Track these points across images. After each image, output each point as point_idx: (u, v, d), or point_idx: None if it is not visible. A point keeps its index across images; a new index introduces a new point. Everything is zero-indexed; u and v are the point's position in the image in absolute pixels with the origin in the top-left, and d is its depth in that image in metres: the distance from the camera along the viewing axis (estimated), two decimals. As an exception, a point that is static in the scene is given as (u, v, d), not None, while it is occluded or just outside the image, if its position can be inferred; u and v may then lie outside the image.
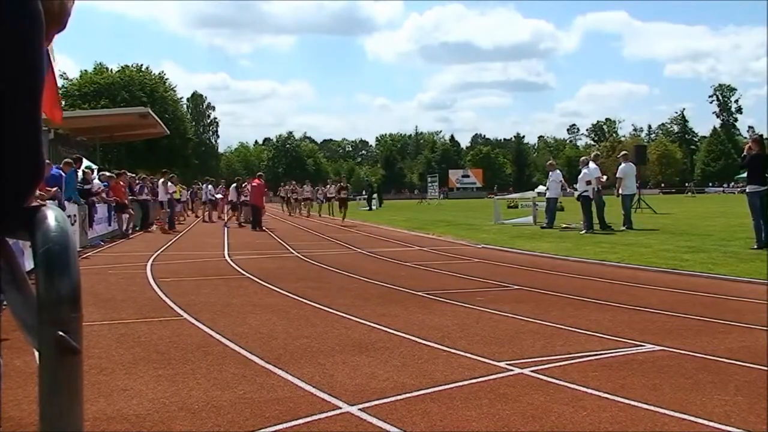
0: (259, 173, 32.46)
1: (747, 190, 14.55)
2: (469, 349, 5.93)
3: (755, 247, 13.77)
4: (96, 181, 20.81)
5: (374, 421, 4.14)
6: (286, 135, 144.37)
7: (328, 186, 41.23)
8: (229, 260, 14.44)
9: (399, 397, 4.59)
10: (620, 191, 21.31)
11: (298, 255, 15.60)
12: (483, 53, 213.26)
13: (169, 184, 27.39)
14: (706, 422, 4.07)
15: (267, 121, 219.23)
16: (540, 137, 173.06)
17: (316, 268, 12.97)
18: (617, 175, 21.61)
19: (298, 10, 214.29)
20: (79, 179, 19.36)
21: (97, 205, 19.75)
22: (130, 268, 13.05)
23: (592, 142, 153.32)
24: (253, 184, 28.55)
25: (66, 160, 17.24)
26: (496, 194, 59.40)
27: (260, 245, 18.75)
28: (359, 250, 16.64)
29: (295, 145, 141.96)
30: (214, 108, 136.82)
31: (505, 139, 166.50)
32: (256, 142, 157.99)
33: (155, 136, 47.77)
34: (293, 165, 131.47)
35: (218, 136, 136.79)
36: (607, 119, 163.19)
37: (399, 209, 50.17)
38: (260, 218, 26.92)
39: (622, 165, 21.73)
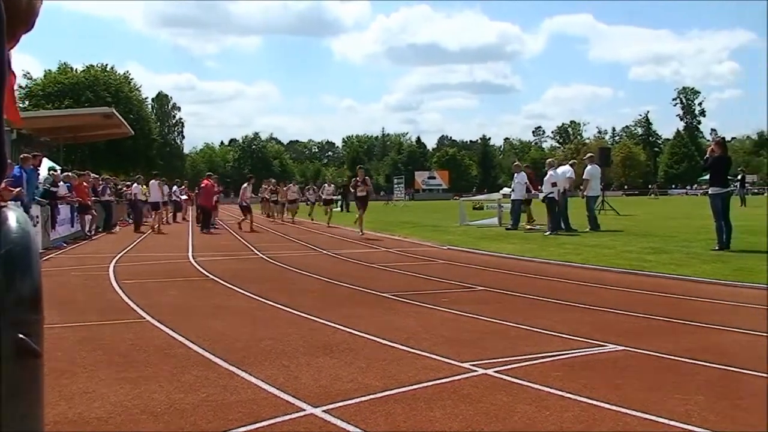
0: (209, 173, 31.44)
1: (709, 192, 14.74)
2: (433, 350, 5.95)
3: (716, 248, 13.96)
4: (62, 184, 20.58)
5: (338, 422, 4.14)
6: (252, 136, 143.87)
7: (324, 186, 34.47)
8: (193, 262, 14.35)
9: (363, 399, 4.59)
10: (585, 193, 21.53)
11: (263, 256, 15.54)
12: (449, 55, 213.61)
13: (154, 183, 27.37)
14: (667, 421, 4.12)
15: (233, 122, 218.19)
16: (506, 139, 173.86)
17: (280, 270, 12.94)
18: (584, 177, 21.78)
19: (264, 11, 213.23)
20: (43, 180, 19.15)
21: (60, 206, 19.52)
22: (92, 269, 12.92)
23: (558, 144, 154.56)
24: (202, 185, 27.89)
25: (23, 155, 17.01)
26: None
27: (224, 247, 18.66)
28: (324, 252, 16.61)
29: (261, 146, 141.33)
30: (179, 108, 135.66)
31: (471, 141, 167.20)
32: (221, 143, 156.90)
33: (119, 136, 47.41)
34: (259, 166, 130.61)
35: (183, 137, 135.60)
36: (572, 122, 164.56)
37: (368, 210, 50.15)
38: (210, 220, 26.47)
39: (589, 167, 21.91)
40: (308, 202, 36.40)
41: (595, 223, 20.92)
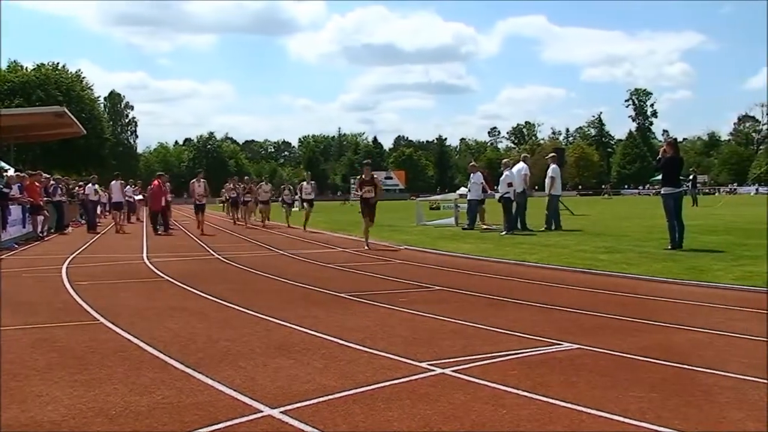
0: (159, 173, 30.47)
1: (662, 192, 14.97)
2: (390, 350, 5.95)
3: (669, 247, 14.16)
4: (14, 186, 20.24)
5: (296, 423, 4.12)
6: (207, 135, 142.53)
7: (303, 183, 28.21)
8: (147, 263, 14.19)
9: (321, 399, 4.58)
10: (551, 192, 21.64)
11: (219, 257, 15.43)
12: (405, 55, 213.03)
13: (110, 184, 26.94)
14: (621, 419, 4.17)
15: (187, 121, 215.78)
16: (462, 139, 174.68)
17: (236, 270, 12.85)
18: (551, 175, 21.76)
19: (218, 10, 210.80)
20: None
21: (10, 206, 19.19)
22: (45, 271, 12.73)
23: (513, 145, 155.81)
24: (151, 185, 26.83)
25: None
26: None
27: (180, 247, 18.48)
28: (281, 252, 16.54)
29: (216, 146, 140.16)
30: (132, 107, 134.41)
31: (427, 141, 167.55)
32: (176, 142, 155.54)
33: (71, 135, 46.62)
34: (214, 166, 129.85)
35: (137, 136, 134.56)
36: (526, 122, 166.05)
37: (322, 211, 49.95)
38: (159, 220, 25.62)
39: (553, 166, 21.98)
40: (284, 204, 31.50)
41: (558, 223, 21.14)
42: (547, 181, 21.86)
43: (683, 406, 4.41)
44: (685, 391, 4.72)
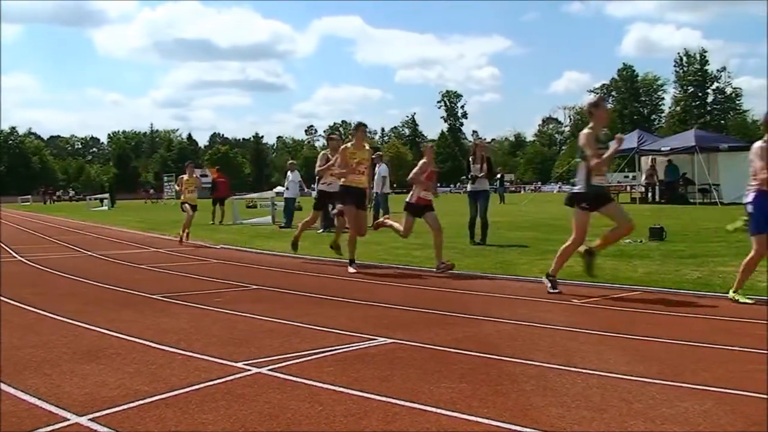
0: None
1: (470, 190, 15.75)
2: (205, 351, 5.85)
3: (478, 241, 14.92)
4: None
5: (105, 430, 3.97)
6: (8, 130, 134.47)
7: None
8: (-59, 267, 13.24)
9: (132, 405, 4.43)
10: (382, 190, 22.10)
11: (21, 258, 14.61)
12: (221, 52, 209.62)
13: None
14: (434, 409, 4.29)
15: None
16: (279, 137, 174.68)
17: (40, 273, 12.22)
18: (383, 174, 22.20)
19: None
20: None
21: None
22: None
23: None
24: None
25: None
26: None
27: (-22, 250, 17.36)
28: (89, 253, 15.88)
29: (18, 142, 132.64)
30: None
31: (244, 139, 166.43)
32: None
33: None
34: (17, 163, 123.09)
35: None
36: (343, 121, 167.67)
37: (134, 210, 48.38)
38: None
39: (383, 165, 22.54)
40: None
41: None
42: (379, 180, 22.22)
43: (492, 394, 4.60)
44: (493, 380, 4.92)
